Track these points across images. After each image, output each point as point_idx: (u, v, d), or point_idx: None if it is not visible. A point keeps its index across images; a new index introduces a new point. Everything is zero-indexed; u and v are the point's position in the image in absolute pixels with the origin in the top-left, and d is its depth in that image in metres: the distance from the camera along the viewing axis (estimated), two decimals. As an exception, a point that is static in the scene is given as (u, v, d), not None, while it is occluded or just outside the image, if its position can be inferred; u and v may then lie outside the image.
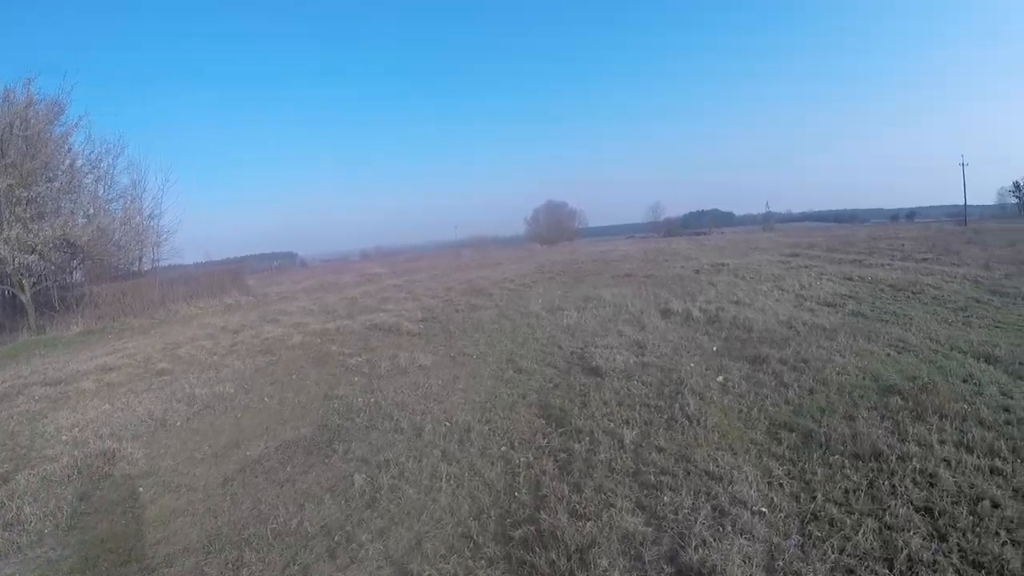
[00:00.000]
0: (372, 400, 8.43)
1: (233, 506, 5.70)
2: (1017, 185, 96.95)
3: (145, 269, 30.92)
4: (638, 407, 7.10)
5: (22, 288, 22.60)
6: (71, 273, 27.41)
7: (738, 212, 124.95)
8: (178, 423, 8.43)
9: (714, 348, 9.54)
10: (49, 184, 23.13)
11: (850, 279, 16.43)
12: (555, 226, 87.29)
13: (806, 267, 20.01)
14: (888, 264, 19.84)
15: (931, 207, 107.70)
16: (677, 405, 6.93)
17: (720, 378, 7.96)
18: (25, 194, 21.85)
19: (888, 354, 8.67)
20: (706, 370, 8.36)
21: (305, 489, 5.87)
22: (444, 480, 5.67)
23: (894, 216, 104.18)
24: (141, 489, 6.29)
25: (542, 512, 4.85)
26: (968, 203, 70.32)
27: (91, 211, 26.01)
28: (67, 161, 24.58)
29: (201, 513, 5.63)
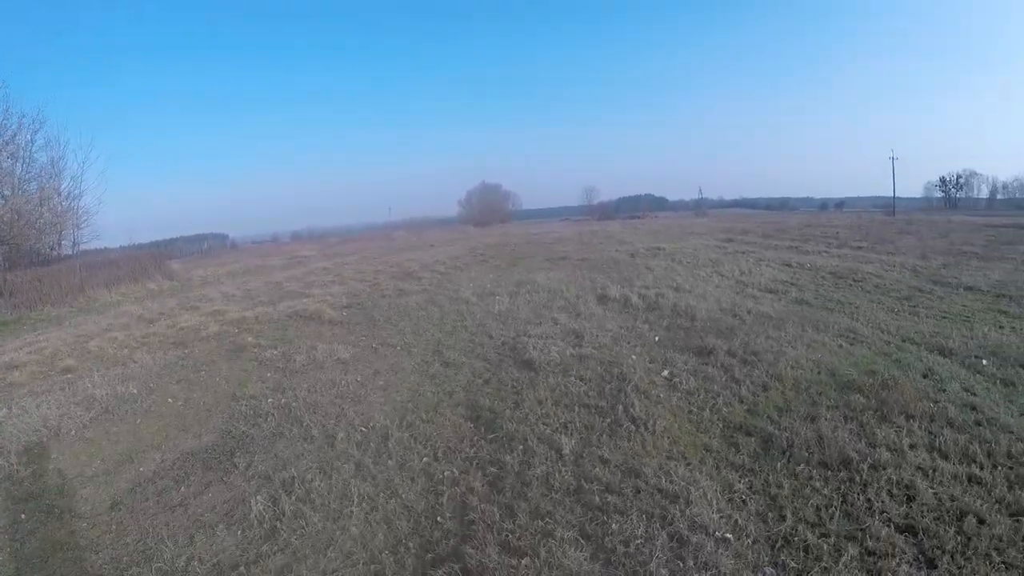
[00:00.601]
0: (283, 401, 7.47)
1: (118, 538, 4.75)
2: (943, 180, 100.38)
3: (66, 254, 28.58)
4: (577, 408, 6.36)
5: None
6: None
7: (671, 197, 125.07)
8: (73, 432, 7.24)
9: (656, 338, 8.85)
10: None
11: (789, 265, 16.07)
12: (489, 208, 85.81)
13: (743, 253, 19.61)
14: (825, 251, 19.55)
15: (859, 198, 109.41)
16: (620, 406, 6.21)
17: (665, 372, 7.27)
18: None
19: (840, 345, 8.17)
20: (650, 363, 7.68)
21: (199, 516, 4.93)
22: (356, 503, 4.80)
23: (823, 205, 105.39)
24: (23, 516, 5.24)
25: (468, 545, 4.08)
26: (896, 195, 71.34)
27: (7, 191, 24.60)
28: None
29: (82, 547, 4.67)
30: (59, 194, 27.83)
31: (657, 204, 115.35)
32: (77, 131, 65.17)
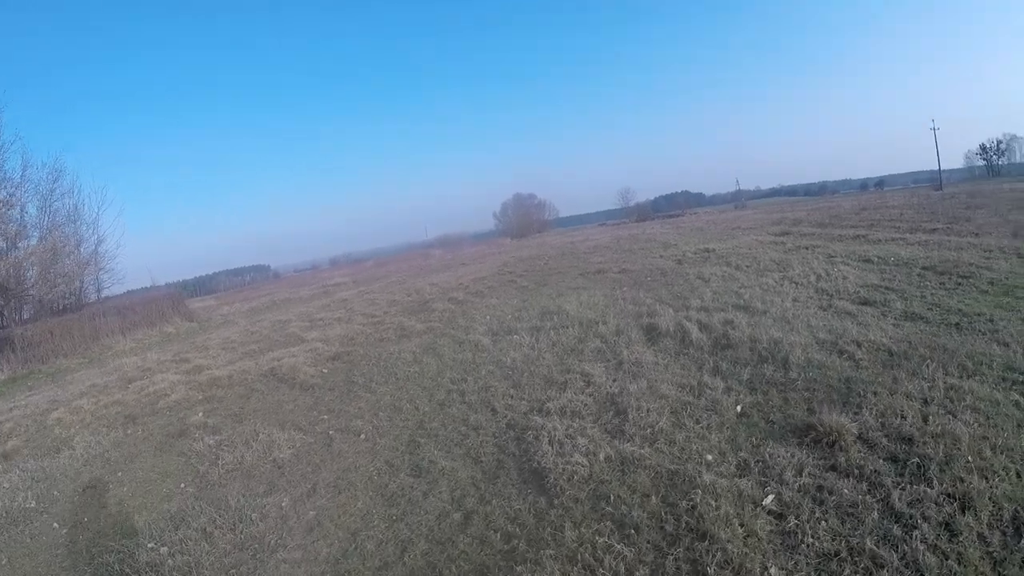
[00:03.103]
0: (161, 554, 4.62)
1: None
2: (983, 147, 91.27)
3: (91, 300, 26.84)
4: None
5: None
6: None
7: (708, 192, 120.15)
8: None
9: (738, 408, 5.49)
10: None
11: (868, 261, 12.40)
12: (524, 219, 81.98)
13: (807, 248, 15.82)
14: (900, 238, 15.64)
15: (897, 175, 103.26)
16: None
17: (769, 499, 3.93)
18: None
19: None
20: (738, 474, 4.36)
21: None
22: None
23: (863, 185, 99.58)
24: None
25: None
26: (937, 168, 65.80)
27: (31, 242, 23.36)
28: None
29: None
30: (81, 241, 26.16)
31: (695, 200, 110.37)
32: (92, 176, 63.79)
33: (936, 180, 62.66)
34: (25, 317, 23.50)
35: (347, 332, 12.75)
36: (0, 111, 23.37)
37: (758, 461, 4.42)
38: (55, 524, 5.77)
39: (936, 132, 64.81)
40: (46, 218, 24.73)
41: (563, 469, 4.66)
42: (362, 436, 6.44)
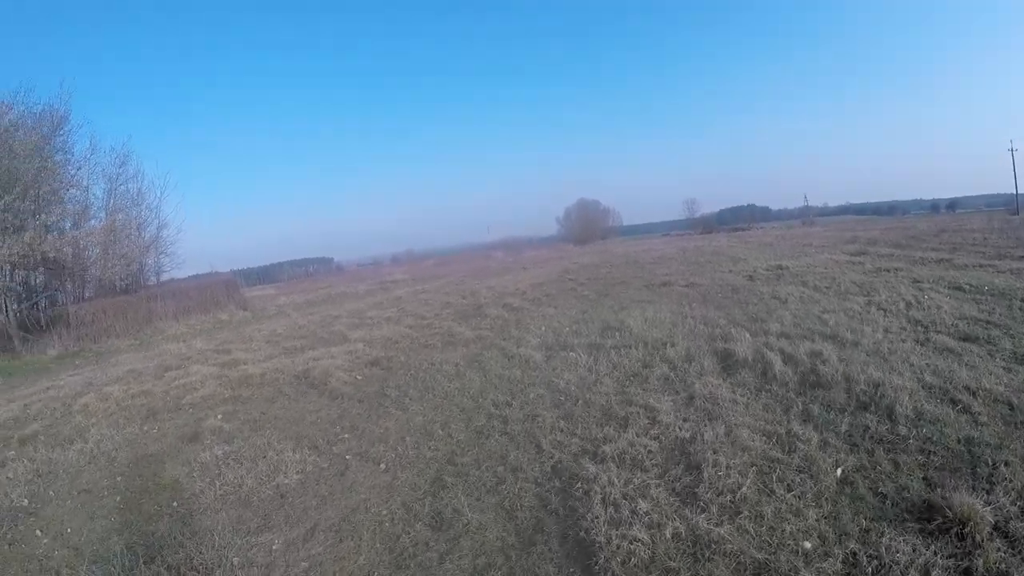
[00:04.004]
0: None
1: None
2: None
3: (150, 283, 26.99)
4: None
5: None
6: (59, 291, 23.87)
7: (774, 206, 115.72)
8: None
9: (838, 472, 4.30)
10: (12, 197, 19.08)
11: (959, 289, 10.87)
12: (587, 225, 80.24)
13: (888, 271, 14.27)
14: (988, 265, 13.92)
15: (971, 197, 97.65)
16: None
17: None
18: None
19: None
20: (844, 573, 3.22)
21: None
22: None
23: (934, 207, 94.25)
24: None
25: None
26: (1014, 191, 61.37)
27: (94, 223, 23.45)
28: (31, 171, 20.09)
29: None
30: (143, 224, 26.40)
31: (761, 214, 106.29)
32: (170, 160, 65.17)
33: (1012, 204, 58.57)
34: (88, 296, 23.50)
35: (392, 334, 11.86)
36: (69, 95, 23.32)
37: (872, 557, 3.27)
38: (38, 531, 5.12)
39: (1014, 153, 60.53)
40: (111, 200, 24.97)
41: (618, 546, 3.55)
42: (382, 466, 5.44)
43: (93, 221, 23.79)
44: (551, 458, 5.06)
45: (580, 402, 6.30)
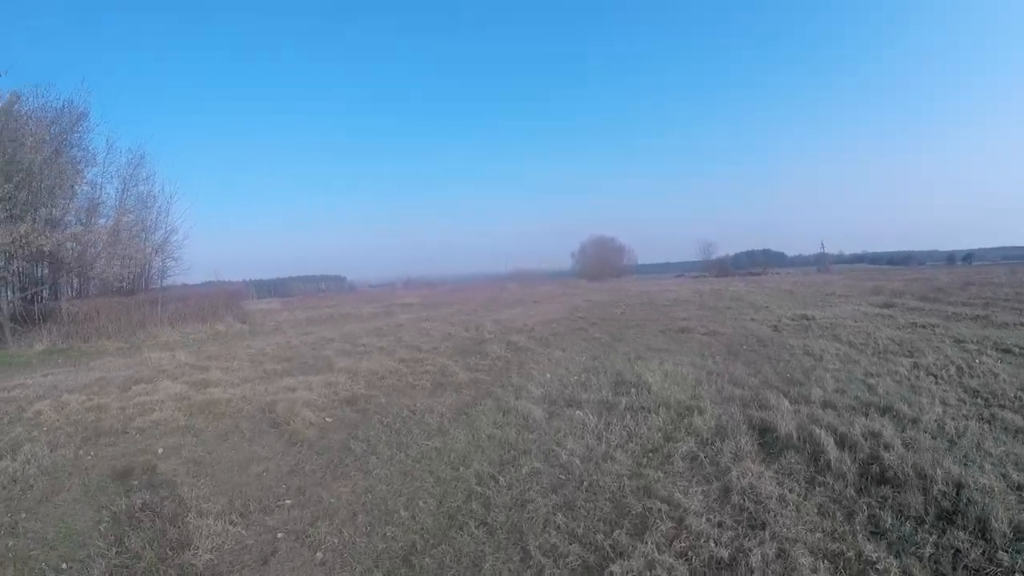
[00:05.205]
0: None
1: None
2: None
3: (153, 287, 26.22)
4: None
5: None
6: (56, 286, 23.43)
7: (789, 252, 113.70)
8: None
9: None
10: (10, 186, 18.46)
11: (1009, 351, 9.56)
12: (601, 262, 77.98)
13: (924, 327, 12.94)
14: None
15: (987, 249, 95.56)
16: None
17: None
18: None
19: None
20: None
21: None
22: None
23: (950, 258, 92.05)
24: None
25: None
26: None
27: (103, 221, 22.81)
28: (36, 163, 19.45)
29: None
30: (150, 227, 25.76)
31: (776, 259, 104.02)
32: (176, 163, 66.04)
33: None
34: (93, 293, 23.05)
35: (380, 367, 10.49)
36: (89, 92, 23.30)
37: None
38: None
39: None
40: (122, 200, 24.54)
41: None
42: (318, 555, 4.05)
43: (102, 220, 23.20)
44: (539, 574, 3.69)
45: (585, 485, 4.88)
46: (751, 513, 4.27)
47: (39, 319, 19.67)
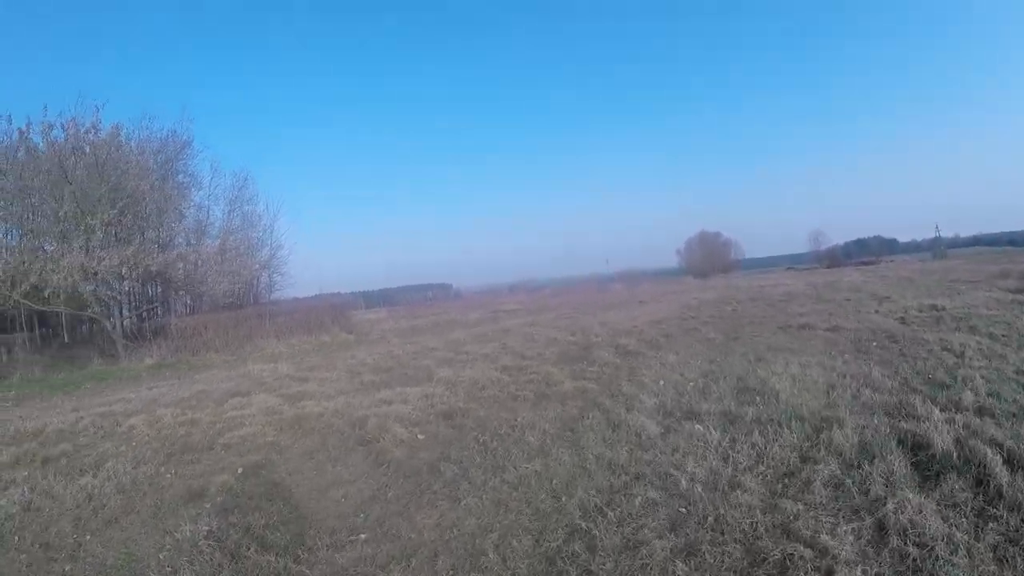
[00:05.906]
0: None
1: None
2: None
3: (261, 301, 27.64)
4: None
5: (107, 315, 20.56)
6: (164, 303, 25.91)
7: (902, 238, 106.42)
8: None
9: None
10: (115, 211, 19.44)
11: None
12: (709, 258, 75.22)
13: None
14: None
15: None
16: None
17: None
18: (93, 221, 18.47)
19: None
20: None
21: None
22: None
23: None
24: None
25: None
26: None
27: (211, 240, 24.18)
28: (141, 190, 20.49)
29: None
30: (255, 245, 27.33)
31: (887, 247, 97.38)
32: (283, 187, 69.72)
33: None
34: (205, 310, 24.08)
35: (481, 376, 9.88)
36: (191, 120, 24.91)
37: None
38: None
39: None
40: (229, 221, 26.23)
41: None
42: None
43: (210, 240, 24.49)
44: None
45: (710, 522, 3.98)
46: (915, 561, 3.34)
47: (150, 335, 20.69)
